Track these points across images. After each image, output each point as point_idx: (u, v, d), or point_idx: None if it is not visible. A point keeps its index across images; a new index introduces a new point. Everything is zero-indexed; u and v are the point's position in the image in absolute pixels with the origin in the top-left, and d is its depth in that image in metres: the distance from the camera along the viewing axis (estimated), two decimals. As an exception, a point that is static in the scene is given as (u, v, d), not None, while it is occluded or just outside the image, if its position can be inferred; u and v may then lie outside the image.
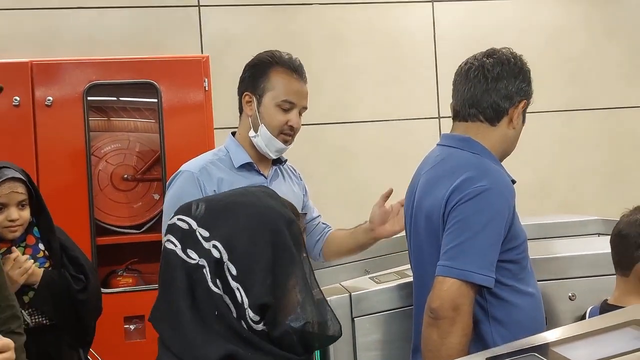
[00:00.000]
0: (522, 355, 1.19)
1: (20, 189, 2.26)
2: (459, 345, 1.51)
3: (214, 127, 3.50)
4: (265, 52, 2.01)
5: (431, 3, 3.90)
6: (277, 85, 1.92)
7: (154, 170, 3.37)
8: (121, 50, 3.50)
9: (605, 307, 1.74)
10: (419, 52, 3.89)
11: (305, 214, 2.07)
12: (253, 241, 1.08)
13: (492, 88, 1.66)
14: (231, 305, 1.06)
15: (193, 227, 1.09)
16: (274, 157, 2.01)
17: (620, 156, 4.05)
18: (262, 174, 1.99)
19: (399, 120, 3.84)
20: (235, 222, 1.09)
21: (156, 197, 3.32)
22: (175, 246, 1.09)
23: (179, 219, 1.11)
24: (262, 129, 1.93)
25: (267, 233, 1.09)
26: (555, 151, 4.00)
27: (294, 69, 1.94)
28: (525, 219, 3.04)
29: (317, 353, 2.06)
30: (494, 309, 1.59)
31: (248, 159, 1.97)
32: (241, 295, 1.06)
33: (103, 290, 2.68)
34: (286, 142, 1.96)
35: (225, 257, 1.06)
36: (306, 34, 3.77)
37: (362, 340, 1.94)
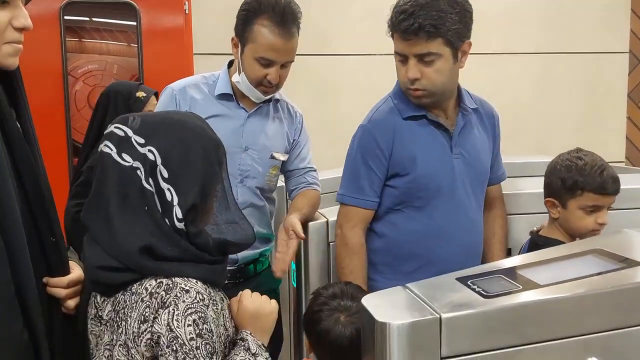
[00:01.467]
0: (489, 277, 1.26)
1: None
2: (345, 259, 1.78)
3: (194, 52, 3.45)
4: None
5: None
6: (258, 38, 1.83)
7: (132, 92, 3.34)
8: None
9: (533, 238, 1.86)
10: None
11: (282, 161, 2.03)
12: (186, 151, 1.23)
13: None
14: (158, 204, 1.21)
15: (129, 134, 1.24)
16: (257, 102, 1.98)
17: (595, 101, 4.12)
18: (242, 107, 1.97)
19: (384, 55, 3.81)
20: (171, 134, 1.24)
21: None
22: (112, 150, 1.23)
23: (115, 127, 1.26)
24: (243, 77, 1.91)
25: (199, 147, 1.25)
26: (532, 93, 4.04)
27: (279, 23, 1.81)
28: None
29: (293, 275, 2.13)
30: (378, 227, 1.82)
31: (227, 90, 1.95)
32: (172, 195, 1.21)
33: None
34: (266, 94, 1.92)
35: (159, 161, 1.22)
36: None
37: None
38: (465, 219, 1.79)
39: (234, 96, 1.96)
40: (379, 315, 1.14)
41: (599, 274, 1.20)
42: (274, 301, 1.34)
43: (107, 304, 1.23)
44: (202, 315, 1.16)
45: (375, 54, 3.76)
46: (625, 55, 4.12)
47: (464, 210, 1.79)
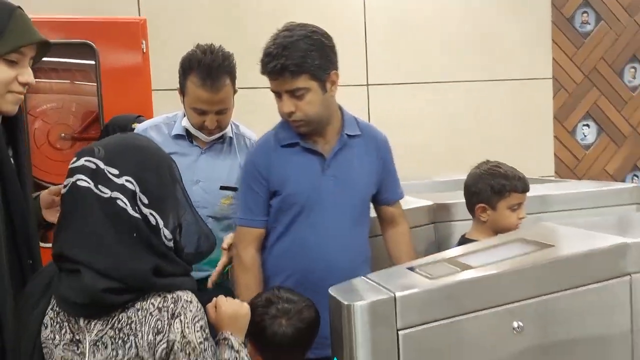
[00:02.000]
0: (433, 264, 1.49)
1: None
2: (240, 275, 1.90)
3: (152, 88, 3.61)
4: (193, 50, 2.08)
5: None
6: (190, 92, 2.04)
7: (92, 129, 3.45)
8: (58, 11, 3.52)
9: (462, 240, 2.11)
10: (349, 23, 4.14)
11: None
12: (159, 175, 1.32)
13: None
14: (145, 228, 1.28)
15: (100, 166, 1.29)
16: (207, 141, 2.15)
17: (525, 122, 4.50)
18: (196, 145, 2.15)
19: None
20: (140, 161, 1.31)
21: (96, 155, 3.41)
22: (89, 183, 1.28)
23: (86, 160, 1.30)
24: (186, 121, 2.13)
25: (166, 169, 1.35)
26: (469, 117, 4.38)
27: (205, 78, 2.00)
28: (439, 175, 3.44)
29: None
30: (267, 243, 1.94)
31: (181, 132, 2.15)
32: (156, 219, 1.29)
33: (42, 244, 2.77)
34: (211, 134, 2.11)
35: (137, 189, 1.29)
36: (242, 4, 3.92)
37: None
38: (331, 237, 1.87)
39: (186, 137, 2.17)
40: (344, 299, 1.35)
41: (521, 255, 1.45)
42: (245, 304, 1.51)
43: (95, 325, 1.28)
44: (205, 321, 1.32)
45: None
46: (549, 81, 4.54)
47: (332, 228, 1.88)
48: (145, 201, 1.30)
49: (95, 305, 1.26)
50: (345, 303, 1.33)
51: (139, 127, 2.24)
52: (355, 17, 4.17)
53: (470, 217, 2.16)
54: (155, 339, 1.26)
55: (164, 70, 3.68)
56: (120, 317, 1.28)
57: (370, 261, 1.99)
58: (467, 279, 1.36)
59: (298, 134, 1.90)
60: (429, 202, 2.40)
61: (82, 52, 3.32)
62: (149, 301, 1.28)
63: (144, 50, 3.49)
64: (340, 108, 1.99)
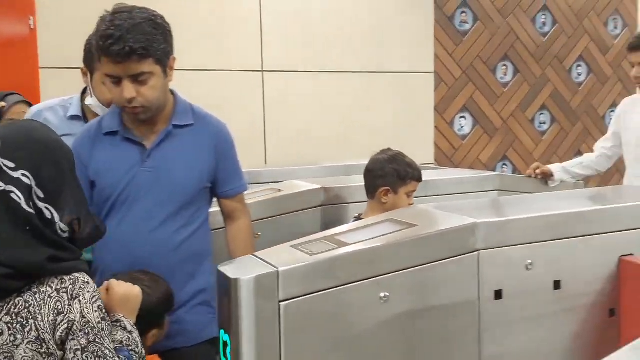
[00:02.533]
0: (315, 242, 1.66)
1: None
2: None
3: (40, 66, 3.53)
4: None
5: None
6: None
7: (-26, 106, 3.32)
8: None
9: (356, 219, 2.30)
10: (246, 10, 4.23)
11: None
12: (57, 169, 1.34)
13: None
14: (39, 222, 1.31)
15: None
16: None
17: (407, 113, 4.81)
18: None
19: (226, 71, 4.18)
20: (37, 154, 1.33)
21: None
22: None
23: None
24: (94, 100, 2.16)
25: (64, 162, 1.37)
26: (356, 107, 4.61)
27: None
28: (328, 161, 3.65)
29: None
30: None
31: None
32: (51, 212, 1.33)
33: None
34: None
35: (33, 183, 1.31)
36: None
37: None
38: (139, 233, 1.82)
39: (82, 118, 2.21)
40: (231, 274, 1.48)
41: (390, 233, 1.65)
42: (136, 286, 1.58)
43: None
44: (102, 302, 1.39)
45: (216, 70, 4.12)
46: (431, 75, 4.88)
47: (142, 223, 1.83)
48: (41, 195, 1.32)
49: None
50: (232, 277, 1.46)
51: (32, 109, 2.24)
52: (251, 4, 4.26)
53: (357, 200, 2.37)
54: (56, 319, 1.32)
55: (52, 48, 3.62)
56: (16, 301, 1.32)
57: (209, 256, 1.95)
58: (341, 255, 1.54)
59: (121, 123, 1.85)
60: (317, 186, 2.58)
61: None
62: (46, 284, 1.33)
63: (32, 27, 3.42)
64: (175, 95, 1.92)
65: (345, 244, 1.60)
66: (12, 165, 1.31)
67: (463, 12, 4.93)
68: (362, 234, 1.68)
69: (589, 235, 1.79)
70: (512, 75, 5.17)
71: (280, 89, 4.33)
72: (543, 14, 5.26)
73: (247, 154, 2.77)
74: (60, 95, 2.33)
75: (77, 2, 3.62)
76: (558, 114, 5.41)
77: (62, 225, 1.35)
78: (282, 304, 1.46)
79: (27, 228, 1.30)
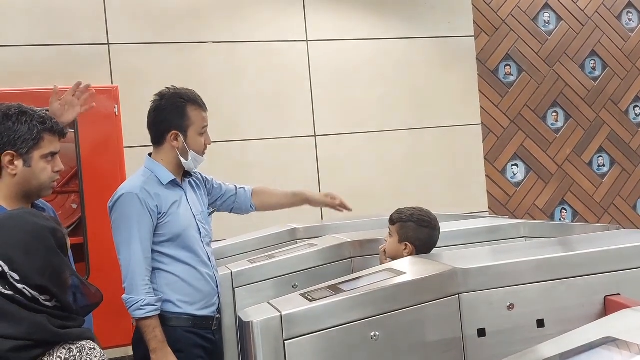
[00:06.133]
0: (320, 289, 1.98)
1: None
2: None
3: (124, 146, 4.12)
4: (169, 94, 2.50)
5: (306, 42, 4.73)
6: (197, 118, 2.48)
7: (72, 183, 3.95)
8: (43, 83, 4.03)
9: None
10: (298, 82, 4.71)
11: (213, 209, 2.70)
12: (27, 251, 1.40)
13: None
14: (22, 299, 1.38)
15: None
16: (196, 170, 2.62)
17: (457, 164, 5.04)
18: (181, 187, 2.53)
19: (282, 138, 4.65)
20: (9, 239, 1.40)
21: (74, 206, 3.91)
22: None
23: None
24: (192, 154, 2.51)
25: (38, 243, 1.43)
26: (407, 162, 4.89)
27: (200, 100, 2.51)
28: (379, 215, 3.92)
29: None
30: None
31: (172, 177, 2.49)
32: (30, 292, 1.40)
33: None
34: (203, 155, 2.57)
35: (6, 268, 1.38)
36: (202, 66, 4.47)
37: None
38: None
39: (177, 179, 2.51)
40: (245, 318, 1.84)
41: (381, 280, 1.95)
42: None
43: None
44: None
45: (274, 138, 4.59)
46: (478, 126, 5.11)
47: None
48: (17, 277, 1.39)
49: None
50: (246, 321, 1.82)
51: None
52: (302, 74, 4.73)
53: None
54: None
55: (134, 131, 4.19)
56: None
57: None
58: (335, 300, 1.85)
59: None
60: (347, 240, 2.90)
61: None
62: (55, 355, 1.40)
63: (116, 114, 4.03)
64: None
65: (342, 291, 1.91)
66: None
67: (507, 65, 5.16)
68: (360, 282, 1.98)
69: (572, 277, 1.95)
70: (563, 121, 5.29)
71: (331, 151, 4.70)
72: (592, 59, 5.38)
73: (305, 212, 3.19)
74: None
75: (156, 89, 4.22)
76: (618, 156, 5.42)
77: (42, 299, 1.41)
78: (286, 342, 1.79)
79: (6, 307, 1.37)
